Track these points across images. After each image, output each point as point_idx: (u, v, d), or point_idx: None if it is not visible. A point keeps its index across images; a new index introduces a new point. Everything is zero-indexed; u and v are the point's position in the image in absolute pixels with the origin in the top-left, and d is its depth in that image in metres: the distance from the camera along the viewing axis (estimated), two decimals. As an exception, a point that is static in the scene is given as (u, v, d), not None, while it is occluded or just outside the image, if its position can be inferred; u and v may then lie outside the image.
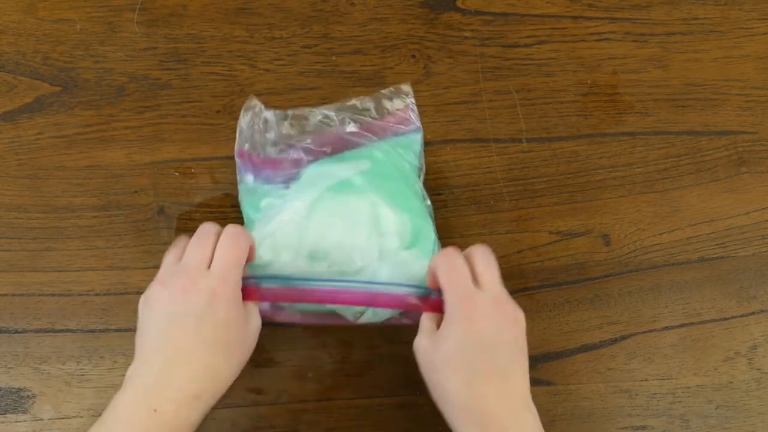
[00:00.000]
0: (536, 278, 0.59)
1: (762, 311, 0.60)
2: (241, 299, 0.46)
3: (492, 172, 0.60)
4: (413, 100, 0.58)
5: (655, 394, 0.58)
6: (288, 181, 0.54)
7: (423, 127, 0.60)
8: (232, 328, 0.45)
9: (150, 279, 0.56)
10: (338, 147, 0.55)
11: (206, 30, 0.61)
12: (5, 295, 0.56)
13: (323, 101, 0.60)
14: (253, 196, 0.54)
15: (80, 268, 0.57)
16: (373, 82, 0.61)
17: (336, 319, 0.53)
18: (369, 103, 0.57)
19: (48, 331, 0.56)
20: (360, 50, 0.62)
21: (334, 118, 0.56)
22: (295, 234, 0.50)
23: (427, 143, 0.60)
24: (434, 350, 0.47)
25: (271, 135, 0.56)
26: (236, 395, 0.56)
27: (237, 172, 0.55)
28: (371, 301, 0.50)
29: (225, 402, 0.56)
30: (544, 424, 0.58)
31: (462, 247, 0.59)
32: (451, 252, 0.48)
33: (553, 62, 0.62)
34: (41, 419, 0.55)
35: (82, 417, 0.55)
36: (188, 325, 0.44)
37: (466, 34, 0.63)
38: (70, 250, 0.57)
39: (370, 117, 0.57)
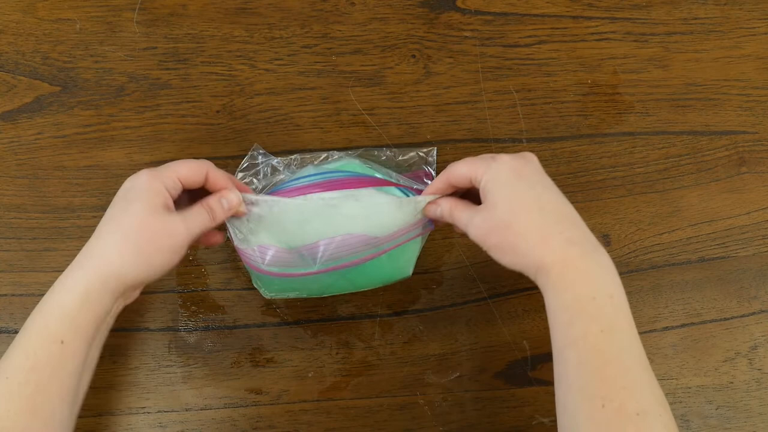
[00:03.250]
0: (536, 278, 0.59)
1: (762, 311, 0.60)
2: (139, 172, 0.47)
3: (492, 172, 0.60)
4: (434, 167, 0.58)
5: (656, 394, 0.58)
6: None
7: (423, 127, 0.60)
8: (148, 223, 0.46)
9: (150, 279, 0.57)
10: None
11: (206, 30, 0.61)
12: (5, 295, 0.56)
13: (324, 101, 0.60)
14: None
15: (80, 268, 0.57)
16: (373, 82, 0.61)
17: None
18: (389, 152, 0.58)
19: (47, 332, 0.56)
20: (360, 50, 0.61)
21: (337, 157, 0.56)
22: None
23: (427, 143, 0.60)
24: (494, 219, 0.46)
25: (278, 178, 0.56)
26: (236, 395, 0.56)
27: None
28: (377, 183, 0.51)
29: (225, 402, 0.56)
30: (544, 425, 0.58)
31: (462, 246, 0.59)
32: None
33: (553, 62, 0.62)
34: (41, 419, 0.55)
35: (82, 417, 0.55)
36: (113, 207, 0.46)
37: (466, 33, 0.62)
38: (70, 250, 0.57)
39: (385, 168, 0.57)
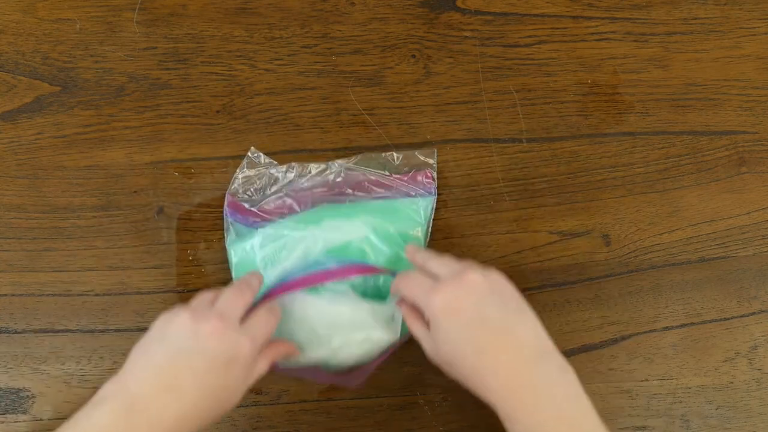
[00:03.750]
0: (536, 278, 0.59)
1: (762, 311, 0.60)
2: (253, 365, 0.46)
3: (492, 172, 0.60)
4: (434, 168, 0.59)
5: (656, 394, 0.58)
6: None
7: (423, 127, 0.60)
8: (234, 387, 0.45)
9: (150, 279, 0.57)
10: (341, 197, 0.57)
11: (206, 30, 0.61)
12: (5, 295, 0.56)
13: (324, 101, 0.60)
14: (241, 241, 0.55)
15: (80, 268, 0.57)
16: (373, 82, 0.61)
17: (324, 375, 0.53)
18: (387, 157, 0.59)
19: (47, 332, 0.56)
20: (360, 50, 0.61)
21: (336, 168, 0.58)
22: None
23: (427, 143, 0.60)
24: (438, 352, 0.47)
25: (274, 188, 0.57)
26: (236, 395, 0.56)
27: (224, 218, 0.56)
28: (364, 270, 0.52)
29: (225, 402, 0.56)
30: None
31: (461, 246, 0.59)
32: (405, 272, 0.50)
33: (553, 62, 0.62)
34: (41, 419, 0.55)
35: (81, 417, 0.55)
36: (199, 366, 0.43)
37: (466, 33, 0.62)
38: (70, 250, 0.57)
39: (386, 171, 0.58)
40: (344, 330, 0.51)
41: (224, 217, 0.56)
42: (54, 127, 0.59)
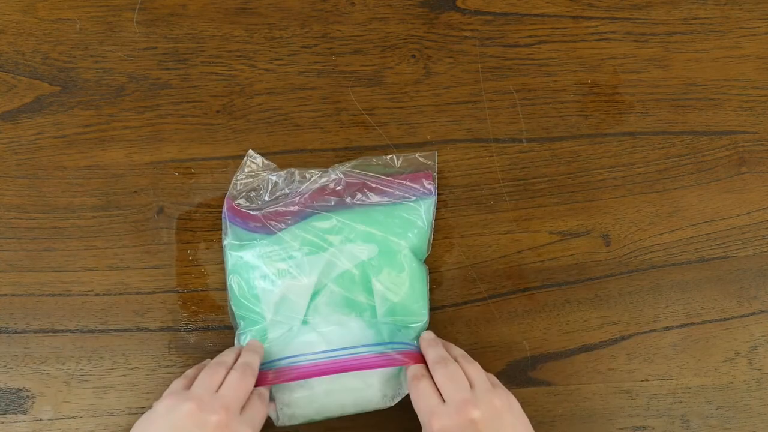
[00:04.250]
0: (536, 278, 0.59)
1: (762, 311, 0.60)
2: (239, 427, 0.46)
3: (492, 172, 0.60)
4: (435, 169, 0.59)
5: (656, 394, 0.58)
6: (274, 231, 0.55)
7: (423, 127, 0.60)
8: None
9: (150, 279, 0.57)
10: (339, 203, 0.57)
11: (206, 30, 0.61)
12: (5, 295, 0.56)
13: (324, 101, 0.60)
14: (239, 244, 0.55)
15: (80, 268, 0.57)
16: (373, 82, 0.61)
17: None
18: (387, 160, 0.59)
19: (47, 332, 0.56)
20: (360, 50, 0.61)
21: (335, 174, 0.57)
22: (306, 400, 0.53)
23: (427, 143, 0.60)
24: None
25: (276, 194, 0.57)
26: (236, 395, 0.56)
27: (223, 220, 0.56)
28: (365, 365, 0.52)
29: (225, 402, 0.56)
30: (545, 425, 0.58)
31: (461, 246, 0.59)
32: (418, 373, 0.50)
33: (553, 62, 0.62)
34: (41, 419, 0.55)
35: (81, 417, 0.55)
36: None
37: (466, 33, 0.62)
38: (70, 250, 0.57)
39: (385, 174, 0.58)
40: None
41: (223, 219, 0.56)
42: (54, 127, 0.59)
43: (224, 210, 0.56)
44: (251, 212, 0.56)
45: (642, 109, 0.62)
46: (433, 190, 0.58)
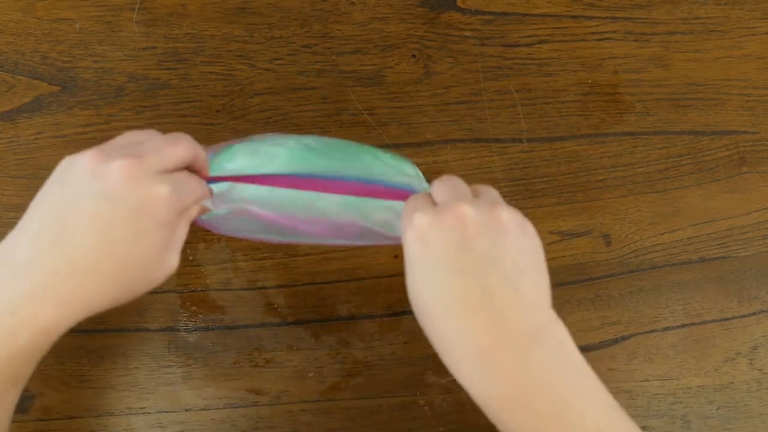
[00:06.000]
0: (537, 278, 0.59)
1: (763, 311, 0.60)
2: (172, 228, 0.37)
3: (492, 172, 0.60)
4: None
5: (656, 394, 0.58)
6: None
7: (423, 127, 0.60)
8: (146, 251, 0.36)
9: (149, 279, 0.57)
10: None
11: (206, 29, 0.61)
12: (4, 295, 0.56)
13: (324, 101, 0.60)
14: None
15: (79, 268, 0.57)
16: (373, 82, 0.61)
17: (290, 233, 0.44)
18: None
19: (47, 332, 0.56)
20: (360, 50, 0.61)
21: None
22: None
23: (427, 143, 0.60)
24: (409, 295, 0.38)
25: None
26: (236, 395, 0.56)
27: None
28: (354, 190, 0.43)
29: (225, 402, 0.56)
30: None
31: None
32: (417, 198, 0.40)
33: (553, 62, 0.62)
34: (41, 419, 0.55)
35: (81, 417, 0.55)
36: (100, 213, 0.34)
37: (467, 33, 0.62)
38: (70, 250, 0.57)
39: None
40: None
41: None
42: (53, 127, 0.59)
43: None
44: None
45: (642, 109, 0.62)
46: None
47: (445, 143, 0.60)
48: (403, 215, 0.38)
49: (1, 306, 0.33)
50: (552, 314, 0.37)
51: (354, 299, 0.58)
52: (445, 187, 0.38)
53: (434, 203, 0.38)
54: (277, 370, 0.56)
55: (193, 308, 0.57)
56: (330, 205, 0.43)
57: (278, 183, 0.42)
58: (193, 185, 0.38)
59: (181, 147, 0.38)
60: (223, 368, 0.56)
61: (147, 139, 0.38)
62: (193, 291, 0.57)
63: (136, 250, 0.35)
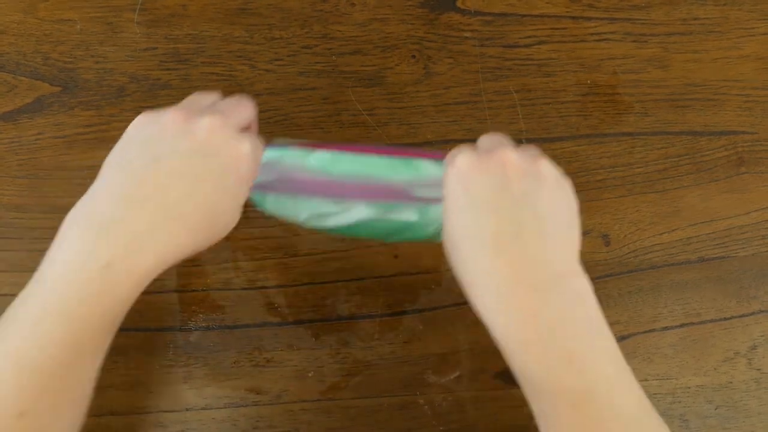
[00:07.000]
0: (536, 278, 0.59)
1: (762, 311, 0.60)
2: (238, 138, 0.38)
3: (492, 172, 0.60)
4: None
5: (655, 394, 0.58)
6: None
7: (423, 127, 0.61)
8: (229, 203, 0.38)
9: (150, 279, 0.57)
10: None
11: (206, 30, 0.61)
12: (5, 295, 0.56)
13: (324, 101, 0.60)
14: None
15: (80, 268, 0.57)
16: (373, 82, 0.61)
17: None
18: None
19: (48, 331, 0.56)
20: (360, 50, 0.62)
21: None
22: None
23: (427, 143, 0.60)
24: (444, 229, 0.39)
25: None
26: (236, 395, 0.56)
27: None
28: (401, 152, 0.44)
29: (225, 402, 0.56)
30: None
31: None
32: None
33: (553, 62, 0.62)
34: (41, 419, 0.55)
35: (82, 417, 0.55)
36: (192, 171, 0.36)
37: (466, 34, 0.63)
38: (71, 250, 0.57)
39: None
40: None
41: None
42: (55, 128, 0.59)
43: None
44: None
45: (641, 110, 0.62)
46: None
47: (445, 143, 0.60)
48: (446, 158, 0.39)
49: (96, 261, 0.34)
50: (577, 267, 0.38)
51: (354, 299, 0.58)
52: (490, 138, 0.40)
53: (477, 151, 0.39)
54: (277, 369, 0.57)
55: (194, 308, 0.57)
56: (377, 167, 0.43)
57: (329, 147, 0.43)
58: (260, 145, 0.41)
59: (248, 108, 0.41)
60: (223, 368, 0.56)
61: (216, 99, 0.41)
62: (193, 291, 0.57)
63: (222, 202, 0.37)
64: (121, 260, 0.35)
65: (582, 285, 0.38)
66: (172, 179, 0.35)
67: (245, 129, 0.41)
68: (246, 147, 0.38)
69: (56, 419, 0.36)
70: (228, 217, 0.38)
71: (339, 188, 0.43)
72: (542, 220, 0.37)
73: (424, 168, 0.43)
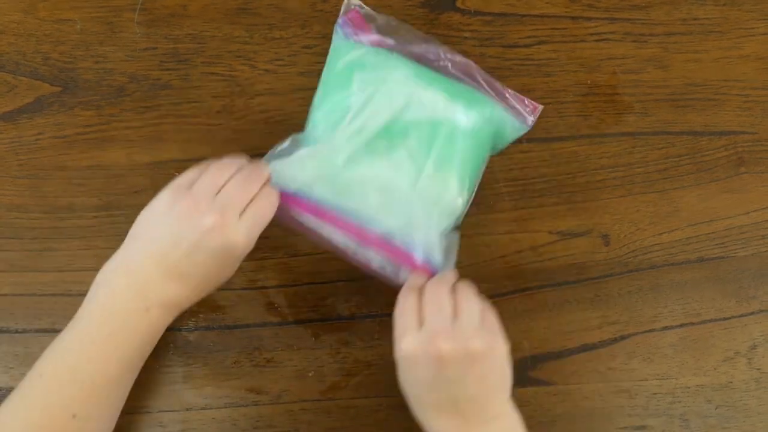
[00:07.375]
0: (536, 278, 0.59)
1: (761, 311, 0.60)
2: (234, 232, 0.47)
3: (492, 172, 0.60)
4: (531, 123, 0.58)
5: (655, 393, 0.58)
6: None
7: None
8: (229, 269, 0.50)
9: (150, 279, 0.57)
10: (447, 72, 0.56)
11: (206, 30, 0.61)
12: (5, 295, 0.56)
13: (323, 101, 0.60)
14: (337, 56, 0.55)
15: (81, 268, 0.57)
16: (373, 83, 0.61)
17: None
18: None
19: (48, 331, 0.56)
20: (360, 50, 0.61)
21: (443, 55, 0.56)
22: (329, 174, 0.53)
23: (427, 143, 0.60)
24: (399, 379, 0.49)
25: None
26: (236, 395, 0.56)
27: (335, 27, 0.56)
28: (361, 238, 0.52)
29: (225, 402, 0.56)
30: (544, 424, 0.58)
31: (461, 247, 0.59)
32: (413, 285, 0.50)
33: (552, 62, 0.62)
34: (42, 419, 0.55)
35: (82, 417, 0.55)
36: (200, 259, 0.47)
37: (466, 34, 0.63)
38: (71, 250, 0.57)
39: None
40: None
41: (336, 25, 0.56)
42: (55, 128, 0.59)
43: (341, 17, 0.57)
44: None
45: (641, 110, 0.62)
46: (529, 122, 0.57)
47: (444, 143, 0.60)
48: (395, 331, 0.48)
49: (140, 304, 0.47)
50: (507, 407, 0.48)
51: (354, 299, 0.58)
52: (432, 307, 0.47)
53: (421, 322, 0.47)
54: (277, 369, 0.57)
55: (194, 308, 0.57)
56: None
57: (324, 217, 0.52)
58: (261, 217, 0.49)
59: (254, 185, 0.49)
60: (223, 367, 0.56)
61: (234, 172, 0.49)
62: (193, 291, 0.57)
63: (219, 273, 0.49)
64: (156, 307, 0.48)
65: (511, 422, 0.48)
66: (187, 265, 0.47)
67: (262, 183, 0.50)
68: (241, 238, 0.47)
69: (100, 422, 0.47)
70: (223, 279, 0.50)
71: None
72: (472, 388, 0.46)
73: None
